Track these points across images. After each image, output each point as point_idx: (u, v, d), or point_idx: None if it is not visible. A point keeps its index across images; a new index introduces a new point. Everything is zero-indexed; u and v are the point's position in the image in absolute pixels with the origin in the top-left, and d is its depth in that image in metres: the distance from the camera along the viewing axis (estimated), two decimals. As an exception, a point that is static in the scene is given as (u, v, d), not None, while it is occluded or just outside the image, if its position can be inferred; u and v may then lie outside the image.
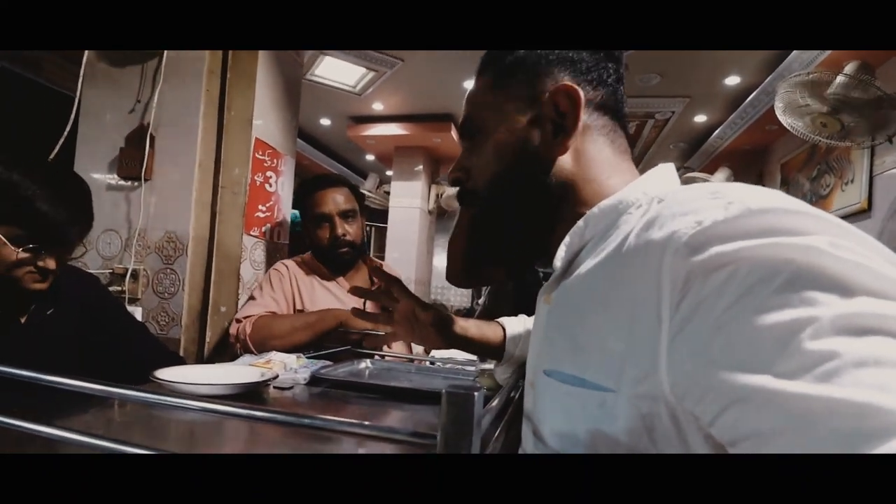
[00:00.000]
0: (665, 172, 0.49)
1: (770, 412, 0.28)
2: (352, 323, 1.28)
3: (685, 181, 0.54)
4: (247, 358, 1.11)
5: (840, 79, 2.28)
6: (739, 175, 3.86)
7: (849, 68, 2.33)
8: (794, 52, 2.68)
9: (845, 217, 2.79)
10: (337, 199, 1.43)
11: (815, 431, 0.26)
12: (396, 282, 0.81)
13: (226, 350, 1.49)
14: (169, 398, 0.43)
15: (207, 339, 1.52)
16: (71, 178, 0.97)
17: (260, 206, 1.63)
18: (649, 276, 0.34)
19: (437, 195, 4.85)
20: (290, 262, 1.49)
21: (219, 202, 1.54)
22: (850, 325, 0.27)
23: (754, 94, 3.19)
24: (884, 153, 2.51)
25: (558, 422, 0.44)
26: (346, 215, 1.44)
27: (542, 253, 0.53)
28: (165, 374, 0.79)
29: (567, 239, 0.48)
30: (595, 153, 0.50)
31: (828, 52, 2.51)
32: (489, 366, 0.92)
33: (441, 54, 2.98)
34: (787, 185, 3.52)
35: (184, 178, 1.49)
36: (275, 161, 1.68)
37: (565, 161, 0.50)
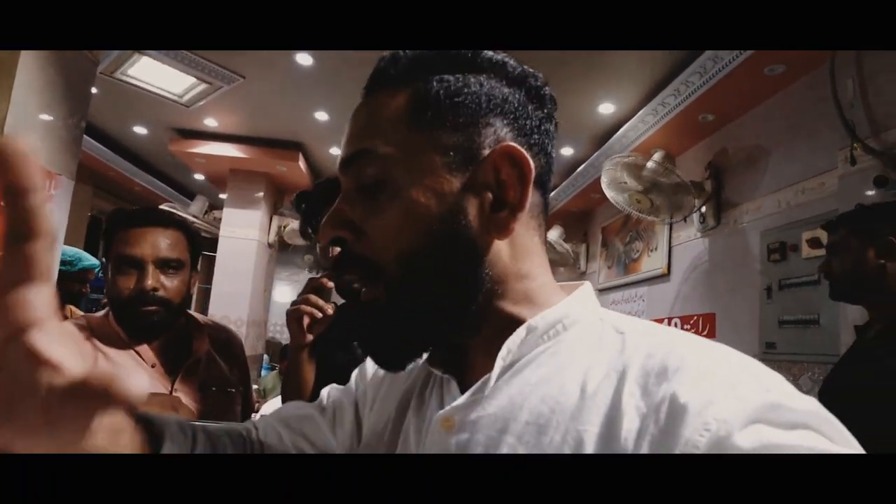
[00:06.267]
0: (590, 291, 0.43)
1: None
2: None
3: None
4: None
5: (651, 164, 2.64)
6: (570, 232, 4.28)
7: (656, 156, 2.72)
8: (617, 133, 3.07)
9: (651, 279, 3.29)
10: (157, 243, 1.03)
11: None
12: None
13: None
14: None
15: None
16: None
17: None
18: (651, 438, 0.30)
19: (280, 227, 4.44)
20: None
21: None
22: None
23: (583, 166, 3.61)
24: (679, 229, 3.00)
25: None
26: (165, 265, 1.02)
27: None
28: None
29: (503, 352, 0.37)
30: (528, 240, 0.40)
31: (643, 138, 2.92)
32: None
33: (289, 77, 2.71)
34: (607, 246, 4.00)
35: None
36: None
37: (502, 248, 0.38)
